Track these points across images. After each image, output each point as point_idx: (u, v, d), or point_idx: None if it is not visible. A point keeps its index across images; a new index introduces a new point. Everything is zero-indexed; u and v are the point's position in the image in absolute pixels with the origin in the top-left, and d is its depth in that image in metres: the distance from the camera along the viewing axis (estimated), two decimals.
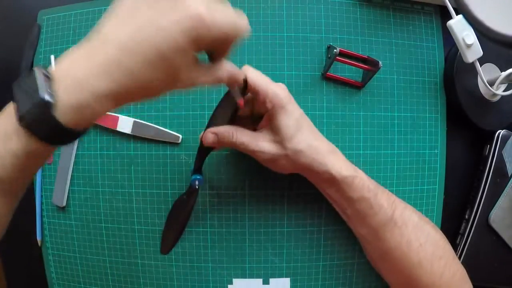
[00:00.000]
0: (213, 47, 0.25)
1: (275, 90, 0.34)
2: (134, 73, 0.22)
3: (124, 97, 0.23)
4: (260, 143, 0.34)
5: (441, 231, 0.38)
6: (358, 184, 0.35)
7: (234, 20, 0.24)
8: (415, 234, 0.35)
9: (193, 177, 0.37)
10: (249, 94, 0.35)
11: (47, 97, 0.21)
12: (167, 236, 0.40)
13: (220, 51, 0.27)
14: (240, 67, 0.42)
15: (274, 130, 0.35)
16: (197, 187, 0.37)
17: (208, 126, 0.36)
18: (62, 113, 0.21)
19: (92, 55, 0.22)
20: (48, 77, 0.22)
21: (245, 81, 0.33)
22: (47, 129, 0.22)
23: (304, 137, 0.35)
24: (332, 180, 0.35)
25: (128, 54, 0.22)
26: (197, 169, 0.37)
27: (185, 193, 0.38)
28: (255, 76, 0.33)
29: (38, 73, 0.22)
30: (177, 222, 0.39)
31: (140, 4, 0.22)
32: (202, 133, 0.36)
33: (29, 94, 0.21)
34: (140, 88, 0.23)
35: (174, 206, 0.39)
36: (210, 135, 0.34)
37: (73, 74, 0.22)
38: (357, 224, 0.38)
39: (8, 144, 0.22)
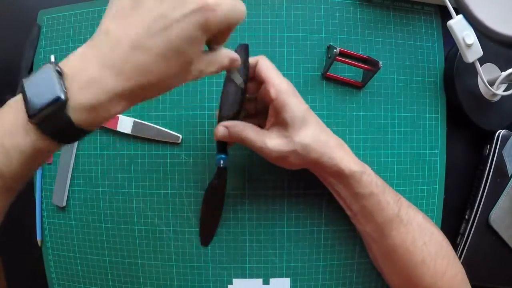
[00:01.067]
0: (216, 35, 0.25)
1: (281, 82, 0.34)
2: (149, 69, 0.22)
3: (138, 95, 0.23)
4: (267, 140, 0.34)
5: (442, 232, 0.38)
6: (367, 180, 0.35)
7: (236, 5, 0.24)
8: (420, 232, 0.35)
9: (218, 157, 0.36)
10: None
11: (62, 96, 0.21)
12: (207, 226, 0.40)
13: (221, 39, 0.27)
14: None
15: (281, 124, 0.34)
16: (222, 165, 0.36)
17: (220, 112, 0.35)
18: (76, 113, 0.21)
19: (104, 55, 0.22)
20: (60, 74, 0.21)
21: (247, 62, 0.34)
22: (58, 127, 0.22)
23: (312, 130, 0.34)
24: (341, 175, 0.35)
25: (141, 52, 0.22)
26: (220, 149, 0.37)
27: (214, 177, 0.38)
28: (265, 64, 0.34)
29: (52, 69, 0.21)
30: (214, 209, 0.40)
31: (147, 3, 0.22)
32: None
33: (42, 91, 0.21)
34: (154, 84, 0.23)
35: (207, 194, 0.39)
36: (221, 129, 0.34)
37: (86, 73, 0.22)
38: (363, 221, 0.37)
39: (14, 139, 0.22)
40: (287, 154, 0.34)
